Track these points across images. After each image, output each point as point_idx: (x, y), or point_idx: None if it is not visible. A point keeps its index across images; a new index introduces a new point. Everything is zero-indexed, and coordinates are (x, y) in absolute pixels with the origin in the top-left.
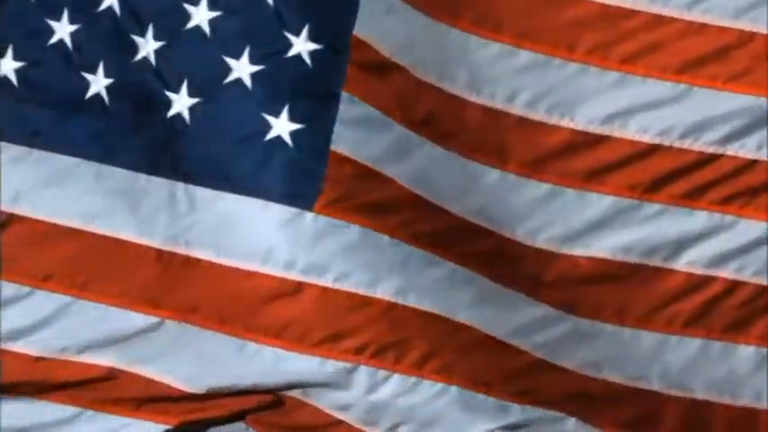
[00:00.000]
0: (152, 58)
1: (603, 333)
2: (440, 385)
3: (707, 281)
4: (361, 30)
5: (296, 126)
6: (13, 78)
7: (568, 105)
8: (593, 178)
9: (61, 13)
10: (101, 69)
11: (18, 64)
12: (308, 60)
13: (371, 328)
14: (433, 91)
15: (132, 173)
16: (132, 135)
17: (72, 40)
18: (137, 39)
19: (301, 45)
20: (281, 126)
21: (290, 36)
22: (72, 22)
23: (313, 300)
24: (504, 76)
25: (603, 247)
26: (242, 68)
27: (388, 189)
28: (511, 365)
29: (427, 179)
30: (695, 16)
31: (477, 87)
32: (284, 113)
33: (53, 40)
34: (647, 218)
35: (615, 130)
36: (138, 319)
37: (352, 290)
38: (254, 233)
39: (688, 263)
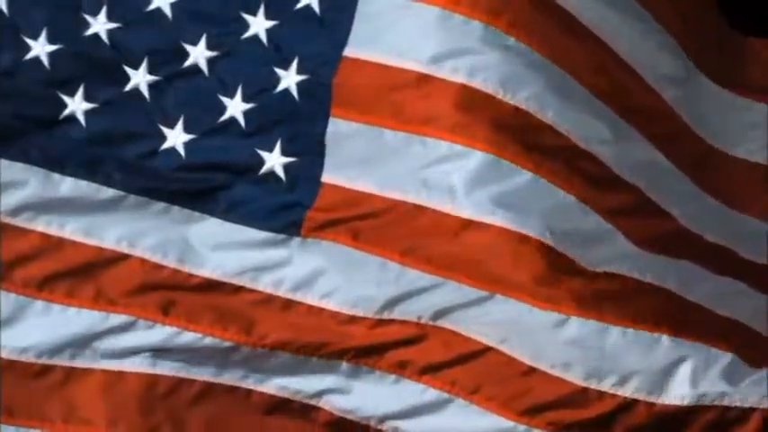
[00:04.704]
0: (145, 92)
1: None
2: None
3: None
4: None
5: (288, 159)
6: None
7: None
8: None
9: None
10: (80, 92)
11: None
12: (295, 93)
13: None
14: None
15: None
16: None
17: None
18: (129, 70)
19: (290, 78)
20: (274, 159)
21: (278, 71)
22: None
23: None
24: None
25: None
26: (236, 107)
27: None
28: None
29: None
30: None
31: None
32: (277, 147)
33: None
34: None
35: None
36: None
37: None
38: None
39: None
